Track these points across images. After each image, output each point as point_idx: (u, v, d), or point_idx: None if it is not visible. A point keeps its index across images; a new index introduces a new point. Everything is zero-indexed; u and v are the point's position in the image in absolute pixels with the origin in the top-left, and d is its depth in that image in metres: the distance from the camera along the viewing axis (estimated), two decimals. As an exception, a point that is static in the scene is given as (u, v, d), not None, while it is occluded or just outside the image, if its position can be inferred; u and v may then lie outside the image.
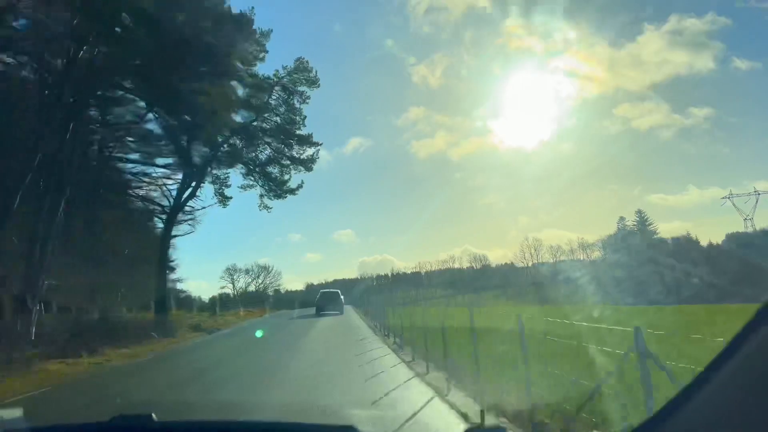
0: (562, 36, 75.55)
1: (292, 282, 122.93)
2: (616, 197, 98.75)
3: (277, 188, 32.78)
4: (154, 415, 2.31)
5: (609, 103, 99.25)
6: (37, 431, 2.53)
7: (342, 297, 42.24)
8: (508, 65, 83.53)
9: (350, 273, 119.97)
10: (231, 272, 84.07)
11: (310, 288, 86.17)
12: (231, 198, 32.73)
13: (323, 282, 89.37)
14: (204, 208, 32.87)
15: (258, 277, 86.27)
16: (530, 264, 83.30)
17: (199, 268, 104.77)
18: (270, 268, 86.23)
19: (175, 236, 45.45)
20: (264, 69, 33.42)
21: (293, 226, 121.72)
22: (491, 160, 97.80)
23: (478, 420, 5.62)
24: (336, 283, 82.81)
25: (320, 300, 40.50)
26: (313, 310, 40.11)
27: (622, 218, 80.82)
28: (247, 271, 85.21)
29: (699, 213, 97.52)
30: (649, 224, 78.30)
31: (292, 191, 32.82)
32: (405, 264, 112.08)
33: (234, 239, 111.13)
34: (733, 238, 68.66)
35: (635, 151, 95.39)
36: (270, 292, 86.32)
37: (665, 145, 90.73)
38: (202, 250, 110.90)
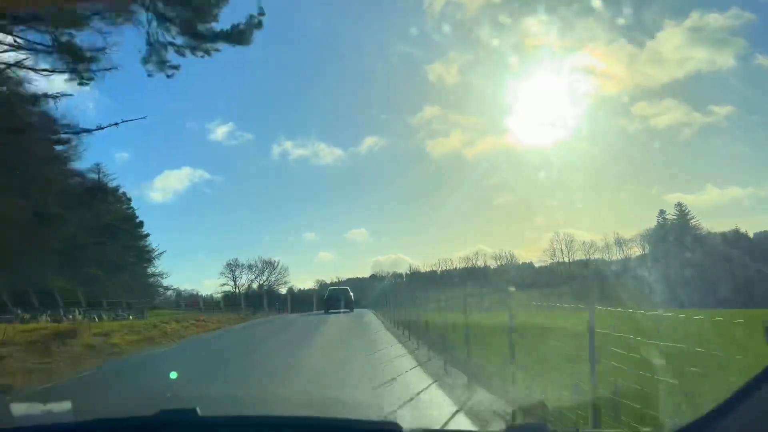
0: (580, 33, 75.31)
1: (305, 281, 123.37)
2: (633, 197, 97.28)
3: (192, 15, 14.37)
4: (198, 409, 2.29)
5: (627, 101, 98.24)
6: (83, 425, 2.62)
7: (352, 294, 39.47)
8: (524, 63, 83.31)
9: (364, 272, 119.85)
10: (232, 267, 76.26)
11: (323, 286, 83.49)
12: (98, 57, 15.05)
13: (336, 279, 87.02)
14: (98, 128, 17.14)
15: (262, 273, 79.21)
16: (564, 260, 77.99)
17: (212, 267, 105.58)
18: (276, 264, 79.04)
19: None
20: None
21: (307, 225, 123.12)
22: (506, 159, 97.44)
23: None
24: (349, 282, 79.13)
25: (329, 297, 38.36)
26: (311, 316, 35.71)
27: (662, 211, 75.64)
28: (249, 267, 77.63)
29: (717, 213, 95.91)
30: (691, 218, 73.23)
31: (238, 35, 14.88)
32: (419, 263, 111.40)
33: (247, 237, 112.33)
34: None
35: (653, 150, 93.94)
36: (282, 289, 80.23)
37: (684, 144, 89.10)
38: (214, 250, 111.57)
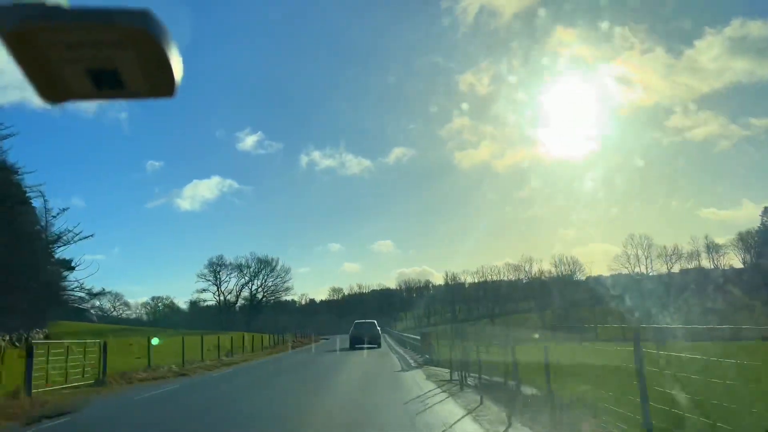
0: (615, 42, 69.50)
1: (323, 292, 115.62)
2: (668, 211, 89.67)
3: None
4: None
5: (662, 112, 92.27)
6: None
7: (378, 328, 39.05)
8: (557, 73, 78.08)
9: (389, 283, 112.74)
10: (215, 269, 56.65)
11: (345, 300, 71.65)
12: None
13: (357, 289, 77.15)
14: None
15: (257, 275, 58.08)
16: (645, 270, 69.20)
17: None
18: (273, 262, 58.93)
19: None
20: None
21: (333, 236, 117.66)
22: (536, 171, 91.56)
23: None
24: (373, 294, 70.73)
25: (354, 331, 37.75)
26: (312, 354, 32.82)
27: (767, 208, 69.04)
28: (239, 268, 57.17)
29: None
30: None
31: None
32: (459, 270, 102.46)
33: (273, 247, 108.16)
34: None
35: (688, 163, 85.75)
36: (290, 298, 61.67)
37: (720, 157, 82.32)
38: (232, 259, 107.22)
